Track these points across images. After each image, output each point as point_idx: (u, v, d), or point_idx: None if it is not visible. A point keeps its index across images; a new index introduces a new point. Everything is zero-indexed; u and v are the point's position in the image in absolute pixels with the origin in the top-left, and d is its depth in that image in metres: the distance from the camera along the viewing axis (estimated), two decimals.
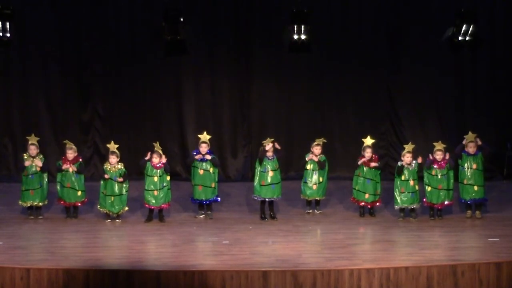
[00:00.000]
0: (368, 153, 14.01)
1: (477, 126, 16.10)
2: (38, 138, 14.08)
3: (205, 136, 13.99)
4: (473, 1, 16.60)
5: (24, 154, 14.02)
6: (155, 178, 13.60)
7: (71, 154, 13.87)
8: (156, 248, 12.22)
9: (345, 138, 17.60)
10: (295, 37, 16.37)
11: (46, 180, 14.00)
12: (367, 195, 14.02)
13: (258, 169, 13.88)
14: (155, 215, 13.75)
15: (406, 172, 13.74)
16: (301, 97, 17.65)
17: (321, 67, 17.53)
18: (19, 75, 17.35)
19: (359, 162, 14.03)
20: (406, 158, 13.76)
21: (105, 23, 17.25)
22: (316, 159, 14.15)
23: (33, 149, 13.93)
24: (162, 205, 13.69)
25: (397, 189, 13.80)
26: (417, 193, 13.82)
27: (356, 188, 14.11)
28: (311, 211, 14.40)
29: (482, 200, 14.00)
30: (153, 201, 13.63)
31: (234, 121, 17.70)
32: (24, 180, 13.90)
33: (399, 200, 13.80)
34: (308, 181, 14.27)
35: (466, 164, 13.88)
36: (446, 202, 13.79)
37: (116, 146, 13.82)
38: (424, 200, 13.86)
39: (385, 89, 17.61)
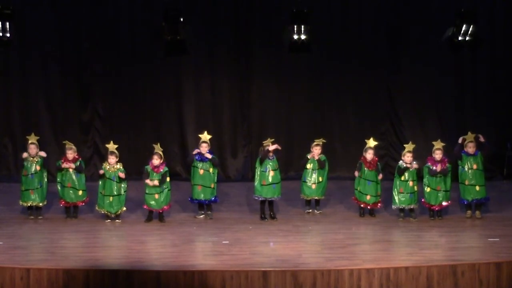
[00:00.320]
0: (370, 155, 14.00)
1: (477, 126, 16.10)
2: (38, 137, 14.08)
3: (205, 136, 13.99)
4: (473, 1, 16.60)
5: (24, 153, 14.00)
6: (156, 181, 13.60)
7: (71, 154, 13.86)
8: (156, 248, 12.21)
9: (345, 138, 17.61)
10: (295, 37, 16.37)
11: (46, 180, 14.00)
12: (368, 197, 14.02)
13: (259, 169, 13.88)
14: (155, 215, 13.75)
15: (406, 172, 13.74)
16: (301, 97, 17.65)
17: (321, 67, 17.53)
18: (19, 75, 17.35)
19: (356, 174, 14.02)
20: (407, 158, 13.76)
21: (105, 23, 17.24)
22: (316, 158, 14.16)
23: (33, 148, 13.93)
24: (164, 207, 13.70)
25: (395, 189, 13.81)
26: (416, 194, 13.82)
27: (358, 189, 14.11)
28: (310, 211, 14.41)
29: (485, 200, 14.00)
30: (154, 204, 13.64)
31: (234, 121, 17.70)
32: (24, 180, 13.90)
33: (397, 200, 13.80)
34: (307, 180, 14.27)
35: (466, 165, 13.88)
36: (444, 203, 13.79)
37: (115, 146, 13.81)
38: (423, 200, 13.86)
39: (385, 89, 17.61)
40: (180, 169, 17.46)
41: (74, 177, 13.86)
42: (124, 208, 13.77)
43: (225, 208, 14.77)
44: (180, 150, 17.58)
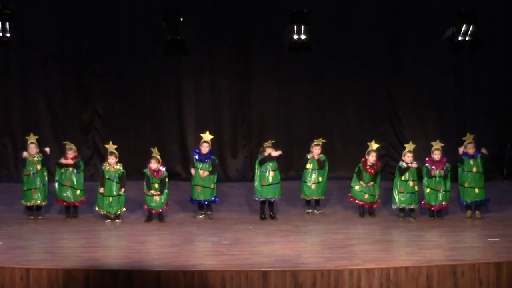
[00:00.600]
0: (373, 158, 13.99)
1: (477, 126, 16.16)
2: (37, 137, 14.07)
3: (207, 136, 13.98)
4: (473, 1, 16.61)
5: (24, 152, 13.99)
6: (156, 185, 13.60)
7: (71, 154, 13.85)
8: (156, 248, 12.21)
9: (345, 138, 17.61)
10: (295, 37, 16.38)
11: (47, 178, 14.00)
12: (366, 196, 14.02)
13: (259, 169, 13.87)
14: (155, 216, 13.75)
15: (407, 172, 13.74)
16: (301, 97, 17.65)
17: (321, 67, 17.53)
18: (19, 75, 17.36)
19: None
20: (407, 158, 13.76)
21: (105, 23, 17.25)
22: (316, 158, 14.16)
23: (33, 148, 13.92)
24: (164, 208, 13.71)
25: (396, 189, 13.80)
26: (416, 194, 13.81)
27: (356, 188, 14.10)
28: (310, 211, 14.40)
29: (484, 201, 13.99)
30: (154, 205, 13.64)
31: (234, 121, 17.70)
32: (25, 179, 13.89)
33: (397, 200, 13.80)
34: (307, 180, 14.27)
35: (466, 167, 13.86)
36: (443, 204, 13.78)
37: (115, 146, 13.80)
38: (423, 202, 13.85)
39: (385, 89, 17.61)
40: (180, 169, 17.46)
41: (73, 176, 13.85)
42: (124, 209, 13.77)
43: (225, 208, 14.77)
44: (180, 150, 17.59)
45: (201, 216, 14.00)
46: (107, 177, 13.63)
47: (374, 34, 17.38)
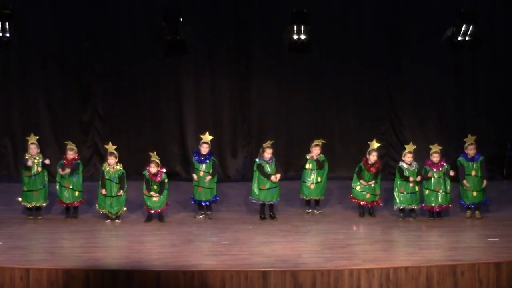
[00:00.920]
0: (374, 157, 13.98)
1: (477, 126, 16.16)
2: (37, 137, 14.07)
3: (206, 137, 13.97)
4: (473, 1, 16.60)
5: (26, 154, 13.99)
6: (155, 187, 13.60)
7: (71, 155, 13.85)
8: (156, 248, 12.21)
9: (345, 138, 17.61)
10: (295, 37, 16.39)
11: (47, 179, 14.00)
12: (368, 195, 14.02)
13: (256, 172, 13.85)
14: (155, 216, 13.75)
15: (407, 173, 13.73)
16: (301, 97, 17.65)
17: (321, 67, 17.53)
18: (19, 75, 17.35)
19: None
20: (407, 158, 13.75)
21: (105, 23, 17.24)
22: (315, 158, 14.16)
23: (33, 148, 13.92)
24: (164, 208, 13.71)
25: (396, 189, 13.80)
26: (417, 194, 13.80)
27: (357, 188, 14.10)
28: (310, 211, 14.40)
29: (482, 203, 13.98)
30: (154, 206, 13.64)
31: (234, 121, 17.70)
32: (27, 181, 13.87)
33: (397, 200, 13.79)
34: (306, 181, 14.27)
35: (465, 170, 13.83)
36: (444, 205, 13.76)
37: (114, 147, 13.79)
38: (423, 204, 13.83)
39: (385, 89, 17.61)
40: (180, 169, 17.46)
41: (72, 177, 13.85)
42: (125, 209, 13.77)
43: (225, 208, 14.77)
44: (180, 150, 17.58)
45: (201, 216, 14.01)
46: (107, 177, 13.63)
47: (374, 34, 17.38)
